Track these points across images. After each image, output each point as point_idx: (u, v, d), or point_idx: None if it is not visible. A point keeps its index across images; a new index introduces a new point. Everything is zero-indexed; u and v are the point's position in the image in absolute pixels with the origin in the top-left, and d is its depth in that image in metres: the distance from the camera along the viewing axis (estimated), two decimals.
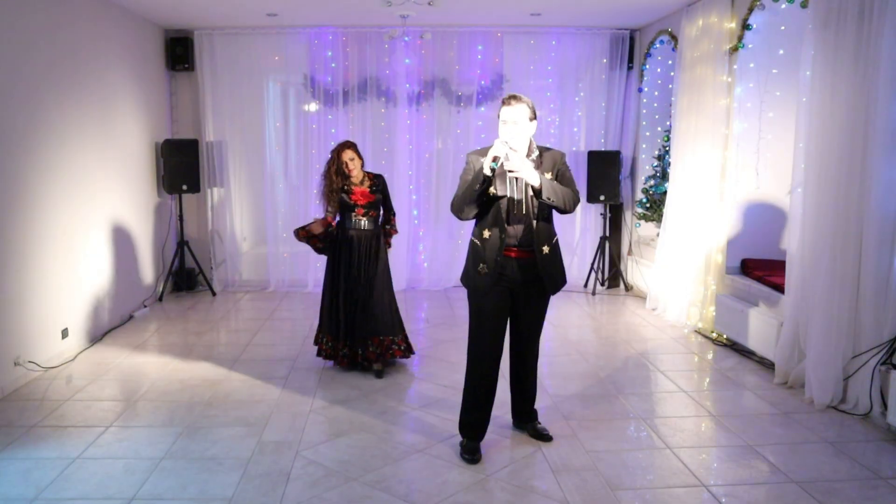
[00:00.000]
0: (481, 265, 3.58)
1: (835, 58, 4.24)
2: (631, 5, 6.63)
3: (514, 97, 3.52)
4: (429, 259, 8.02)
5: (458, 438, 3.82)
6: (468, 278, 3.69)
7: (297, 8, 6.72)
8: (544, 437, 3.88)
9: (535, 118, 3.54)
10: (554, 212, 3.63)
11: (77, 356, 5.36)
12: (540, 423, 3.97)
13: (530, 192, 3.51)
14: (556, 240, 3.69)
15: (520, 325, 3.78)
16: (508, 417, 4.06)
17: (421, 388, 4.74)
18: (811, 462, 3.62)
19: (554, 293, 3.71)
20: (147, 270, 7.04)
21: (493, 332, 3.66)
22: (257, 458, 3.66)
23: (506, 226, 3.52)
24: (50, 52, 5.21)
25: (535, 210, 3.55)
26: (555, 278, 3.67)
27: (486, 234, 3.57)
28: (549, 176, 3.56)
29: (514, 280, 3.61)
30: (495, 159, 3.36)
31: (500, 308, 3.65)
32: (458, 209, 3.58)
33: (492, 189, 3.51)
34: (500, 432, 3.97)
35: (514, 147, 3.44)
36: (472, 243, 3.67)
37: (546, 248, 3.59)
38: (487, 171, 3.39)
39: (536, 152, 3.58)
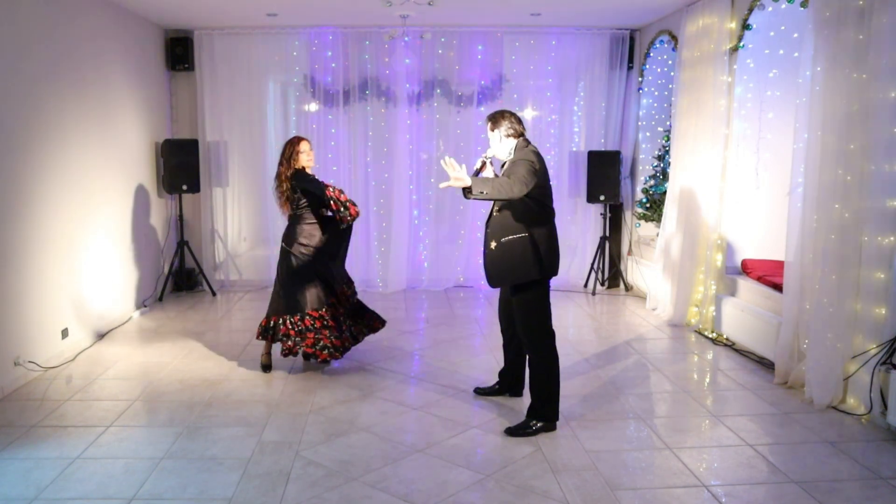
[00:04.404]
0: None
1: (834, 58, 4.24)
2: (631, 5, 6.63)
3: (486, 118, 4.05)
4: (429, 259, 8.02)
5: (458, 439, 3.92)
6: None
7: (297, 8, 6.72)
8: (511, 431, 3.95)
9: (496, 128, 3.94)
10: (525, 210, 3.85)
11: (77, 356, 5.36)
12: (515, 429, 3.96)
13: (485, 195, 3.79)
14: (513, 238, 3.84)
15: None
16: (509, 419, 4.05)
17: (421, 388, 4.73)
18: (811, 462, 3.62)
19: (493, 287, 4.06)
20: (147, 270, 7.04)
21: (501, 304, 4.33)
22: (257, 458, 3.66)
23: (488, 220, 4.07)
24: (49, 51, 5.21)
25: (491, 206, 3.98)
26: (492, 275, 3.96)
27: None
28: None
29: None
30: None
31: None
32: None
33: None
34: (500, 432, 3.98)
35: (499, 156, 4.03)
36: None
37: (493, 244, 3.89)
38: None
39: (511, 155, 3.92)
